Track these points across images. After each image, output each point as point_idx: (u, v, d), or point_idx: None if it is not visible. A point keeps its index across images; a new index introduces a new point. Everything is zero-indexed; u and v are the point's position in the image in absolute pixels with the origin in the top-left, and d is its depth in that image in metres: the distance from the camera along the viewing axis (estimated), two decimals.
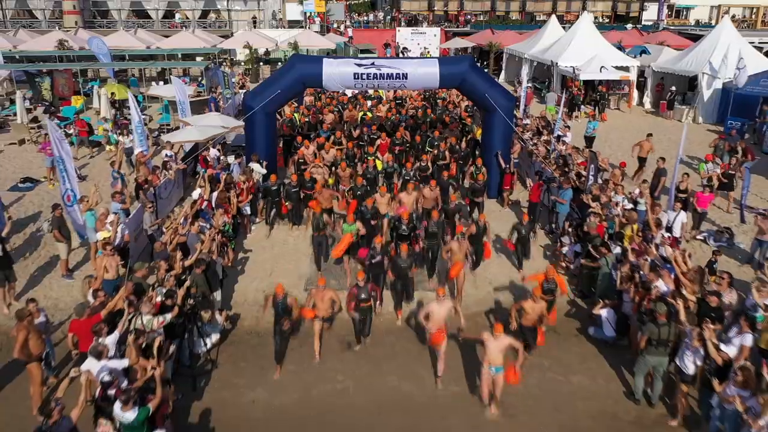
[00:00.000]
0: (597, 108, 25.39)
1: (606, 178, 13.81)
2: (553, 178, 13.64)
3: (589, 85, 27.16)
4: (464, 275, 10.90)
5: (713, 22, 50.22)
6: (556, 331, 10.27)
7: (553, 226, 13.45)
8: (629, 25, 45.75)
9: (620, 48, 30.90)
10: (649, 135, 17.24)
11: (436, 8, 49.20)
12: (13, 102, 26.30)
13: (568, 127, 19.06)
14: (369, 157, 15.35)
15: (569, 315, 10.97)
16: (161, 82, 29.95)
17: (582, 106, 25.66)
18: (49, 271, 11.99)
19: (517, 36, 37.61)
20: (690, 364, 8.03)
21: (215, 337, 9.55)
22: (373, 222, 12.01)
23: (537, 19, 48.00)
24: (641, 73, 28.44)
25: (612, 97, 27.43)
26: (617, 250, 10.72)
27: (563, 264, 12.07)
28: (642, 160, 16.81)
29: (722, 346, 7.82)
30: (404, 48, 40.47)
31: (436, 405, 8.76)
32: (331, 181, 14.61)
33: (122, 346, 7.89)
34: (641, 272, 9.52)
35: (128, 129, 21.32)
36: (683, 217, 12.26)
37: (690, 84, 26.37)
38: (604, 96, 25.83)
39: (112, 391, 6.91)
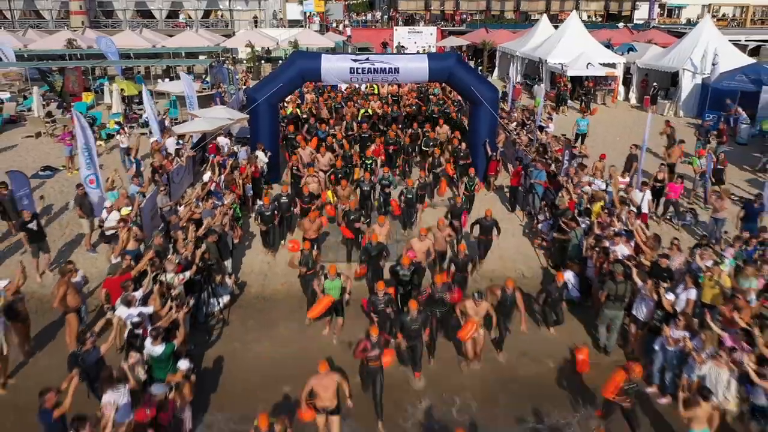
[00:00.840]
0: (583, 102, 26.64)
1: (581, 162, 15.05)
2: (531, 164, 14.87)
3: (577, 81, 28.41)
4: (482, 339, 9.60)
5: None
6: (531, 296, 11.48)
7: (530, 207, 14.68)
8: (621, 24, 47.00)
9: (608, 46, 32.17)
10: (681, 141, 17.06)
11: (432, 8, 50.44)
12: (26, 98, 27.66)
13: (551, 118, 20.30)
14: (367, 162, 15.57)
15: (543, 282, 12.21)
16: (167, 80, 31.28)
17: (569, 101, 26.87)
18: (74, 247, 13.27)
19: (510, 35, 38.85)
20: (641, 312, 9.31)
21: (226, 298, 10.81)
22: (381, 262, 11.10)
23: (532, 18, 49.25)
24: (627, 70, 29.68)
25: (599, 92, 28.68)
26: (585, 224, 11.96)
27: (539, 240, 13.31)
28: (672, 167, 16.19)
29: (668, 295, 9.08)
30: (402, 46, 41.71)
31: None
32: (330, 194, 14.24)
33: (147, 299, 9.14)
34: (604, 240, 10.77)
35: (138, 122, 22.79)
36: (649, 195, 13.52)
37: (672, 80, 27.60)
38: (590, 91, 27.08)
39: (139, 331, 8.18)
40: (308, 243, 11.27)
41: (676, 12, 55.41)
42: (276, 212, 12.75)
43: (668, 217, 14.60)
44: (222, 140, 16.62)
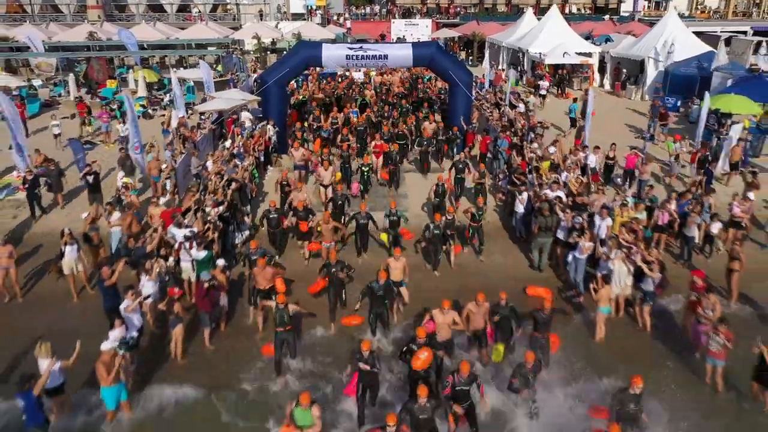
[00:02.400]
0: (559, 87, 29.52)
1: (539, 133, 17.98)
2: (498, 134, 17.81)
3: (558, 68, 31.31)
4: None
5: (688, 12, 54.15)
6: (488, 233, 14.41)
7: (496, 169, 17.61)
8: (606, 16, 49.71)
9: (588, 37, 35.02)
10: (741, 140, 17.84)
11: (428, 1, 53.19)
12: (56, 85, 30.71)
13: (522, 99, 23.24)
14: (363, 169, 15.67)
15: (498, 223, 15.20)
16: (181, 68, 34.28)
17: (545, 89, 29.59)
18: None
19: (499, 27, 41.68)
20: (562, 235, 12.31)
21: (246, 233, 13.79)
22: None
23: (524, 11, 51.86)
24: (603, 58, 32.52)
25: (575, 78, 31.55)
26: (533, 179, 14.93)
27: (500, 194, 16.26)
28: (734, 166, 17.27)
29: (577, 219, 12.04)
30: (400, 38, 44.50)
31: None
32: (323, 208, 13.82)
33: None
34: (540, 187, 13.76)
35: (160, 104, 25.81)
36: (595, 158, 16.43)
37: (641, 67, 30.43)
38: (564, 78, 29.96)
39: (187, 243, 11.21)
40: (282, 297, 9.62)
41: (663, 4, 57.97)
42: (269, 229, 13.10)
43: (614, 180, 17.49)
44: (245, 114, 19.66)
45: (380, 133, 18.42)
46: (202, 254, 10.97)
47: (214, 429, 8.80)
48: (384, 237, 13.26)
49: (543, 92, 27.30)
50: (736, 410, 9.19)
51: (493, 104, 21.89)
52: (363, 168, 15.94)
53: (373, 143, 17.68)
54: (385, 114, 21.11)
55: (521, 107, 21.94)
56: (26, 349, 9.68)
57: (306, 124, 19.85)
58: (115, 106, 24.40)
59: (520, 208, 13.79)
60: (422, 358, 8.24)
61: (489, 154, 17.91)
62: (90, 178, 15.19)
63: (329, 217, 12.48)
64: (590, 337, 10.80)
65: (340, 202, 13.72)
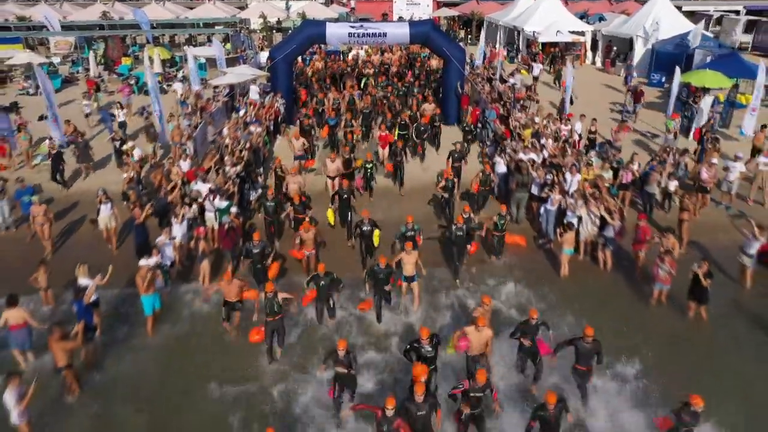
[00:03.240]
0: (552, 65, 31.01)
1: (524, 105, 19.65)
2: (487, 106, 19.49)
3: (551, 47, 32.75)
4: None
5: None
6: (469, 192, 16.07)
7: (485, 138, 19.33)
8: None
9: (583, 16, 36.37)
10: (764, 126, 17.66)
11: None
12: (74, 62, 32.40)
13: (512, 74, 24.87)
14: (367, 167, 15.40)
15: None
16: (191, 46, 35.85)
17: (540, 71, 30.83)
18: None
19: (498, 6, 42.97)
20: (536, 190, 14.07)
21: (259, 191, 15.56)
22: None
23: None
24: (595, 37, 33.92)
25: (568, 56, 32.95)
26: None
27: (487, 161, 17.97)
28: (756, 150, 17.21)
29: (548, 176, 13.79)
30: (402, 18, 45.81)
31: None
32: (330, 214, 13.57)
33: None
34: (519, 151, 15.51)
35: (174, 79, 27.47)
36: (581, 125, 18.10)
37: (630, 45, 31.84)
38: (556, 55, 31.45)
39: (210, 195, 13.04)
40: (271, 285, 9.96)
41: None
42: (266, 217, 13.38)
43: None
44: (253, 88, 21.39)
45: (384, 122, 18.56)
46: (224, 204, 12.82)
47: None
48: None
49: (536, 74, 28.67)
50: (676, 321, 11.18)
51: (485, 79, 23.48)
52: (366, 165, 15.51)
53: (378, 133, 17.87)
54: (387, 93, 21.96)
55: (512, 81, 23.55)
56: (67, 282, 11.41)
57: (311, 105, 20.90)
58: (132, 82, 26.11)
59: (501, 168, 15.54)
60: (419, 371, 8.27)
61: (479, 124, 19.58)
62: (117, 143, 17.01)
63: (309, 225, 12.22)
64: (557, 275, 12.68)
65: (345, 196, 13.52)
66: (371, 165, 15.67)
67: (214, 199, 12.96)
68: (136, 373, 9.90)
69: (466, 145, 17.14)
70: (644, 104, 22.79)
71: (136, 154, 15.62)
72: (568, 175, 14.24)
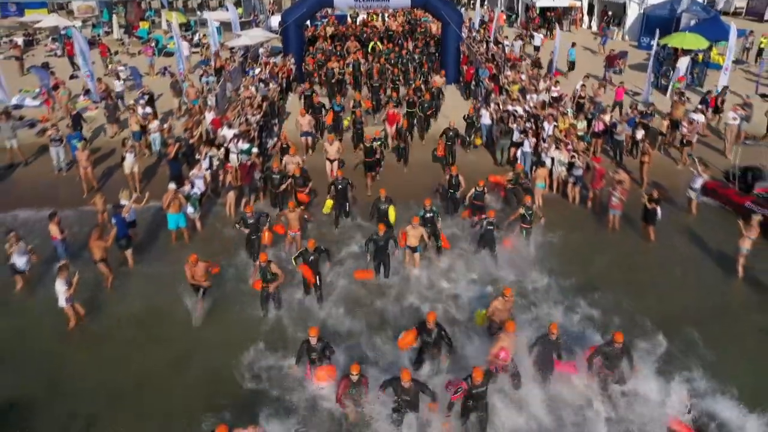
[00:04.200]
0: (548, 30, 32.57)
1: (515, 65, 21.49)
2: (480, 65, 21.34)
3: (548, 11, 34.23)
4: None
5: None
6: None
7: (479, 95, 21.25)
8: None
9: None
10: (681, 94, 19.01)
11: None
12: (94, 26, 34.28)
13: (506, 36, 26.61)
14: (375, 144, 15.31)
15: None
16: (206, 10, 37.64)
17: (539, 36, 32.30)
18: (170, 114, 20.17)
19: None
20: (515, 137, 16.10)
21: (275, 139, 17.71)
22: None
23: None
24: (591, 1, 35.27)
25: (564, 21, 34.46)
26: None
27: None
28: (674, 123, 17.86)
29: (528, 123, 15.81)
30: None
31: None
32: (328, 204, 13.68)
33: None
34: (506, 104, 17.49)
35: (191, 42, 29.38)
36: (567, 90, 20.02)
37: (624, 9, 33.25)
38: (551, 20, 33.00)
39: (235, 139, 15.18)
40: (265, 256, 10.71)
41: None
42: (272, 189, 14.03)
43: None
44: (261, 50, 23.35)
45: (391, 99, 19.10)
46: (246, 146, 14.97)
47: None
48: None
49: (538, 44, 29.27)
50: (629, 240, 13.46)
51: (481, 42, 25.24)
52: (374, 142, 15.70)
53: (385, 111, 17.95)
54: (392, 60, 22.73)
55: (506, 43, 25.32)
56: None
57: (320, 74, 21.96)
58: (153, 44, 28.01)
59: (486, 120, 17.57)
60: (408, 339, 8.96)
61: (473, 82, 21.50)
62: (146, 98, 19.08)
63: (294, 206, 12.53)
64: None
65: (340, 187, 13.49)
66: (380, 142, 15.88)
67: (238, 143, 15.10)
68: (157, 270, 12.32)
69: (468, 139, 17.38)
70: (621, 68, 24.45)
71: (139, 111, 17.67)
72: (545, 124, 16.26)
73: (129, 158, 15.31)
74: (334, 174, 14.44)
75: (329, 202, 13.64)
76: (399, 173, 16.75)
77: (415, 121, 18.42)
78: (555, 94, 19.41)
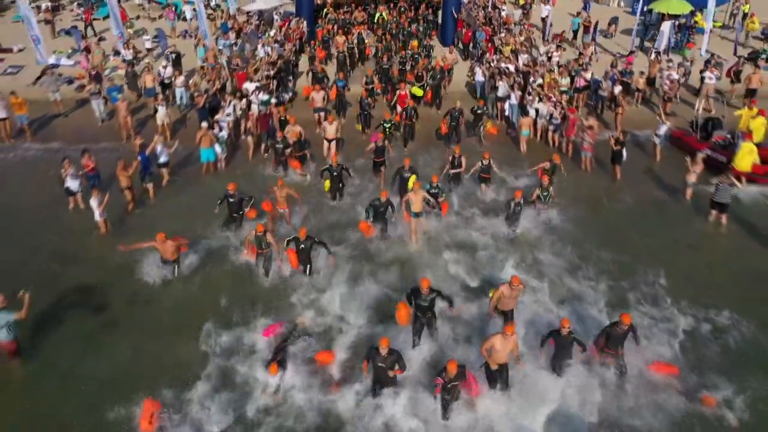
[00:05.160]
0: None
1: (510, 28, 23.24)
2: (477, 28, 23.11)
3: None
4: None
5: None
6: (461, 96, 19.99)
7: (475, 56, 23.04)
8: None
9: None
10: (658, 53, 21.49)
11: None
12: None
13: (504, 2, 28.28)
14: (385, 125, 15.84)
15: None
16: None
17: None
18: (192, 75, 22.13)
19: None
20: (504, 90, 18.03)
21: (290, 94, 19.71)
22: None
23: None
24: None
25: None
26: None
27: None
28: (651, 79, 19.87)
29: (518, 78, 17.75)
30: None
31: None
32: (327, 184, 13.92)
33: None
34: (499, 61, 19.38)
35: (209, 6, 31.06)
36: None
37: None
38: None
39: (257, 91, 17.21)
40: (261, 226, 11.28)
41: None
42: (275, 157, 15.09)
43: None
44: (275, 17, 25.20)
45: (404, 80, 18.80)
46: (266, 97, 17.05)
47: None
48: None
49: (544, 15, 29.12)
50: (600, 180, 15.49)
51: (480, 7, 26.92)
52: (384, 123, 16.07)
53: (397, 93, 17.96)
54: (393, 32, 23.54)
55: (504, 8, 26.99)
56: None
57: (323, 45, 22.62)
58: (173, 9, 29.80)
59: (479, 77, 19.50)
60: (402, 313, 9.40)
61: (471, 43, 23.31)
62: (173, 56, 21.03)
63: (282, 183, 12.84)
64: (518, 150, 16.91)
65: (335, 174, 13.68)
66: (389, 124, 16.26)
67: (259, 94, 17.14)
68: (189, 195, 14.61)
69: (473, 131, 17.31)
70: (612, 33, 26.14)
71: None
72: (531, 79, 18.18)
73: (161, 110, 17.36)
74: (333, 153, 15.22)
75: (328, 182, 13.90)
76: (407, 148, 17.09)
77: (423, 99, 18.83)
78: (556, 58, 20.94)
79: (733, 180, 12.96)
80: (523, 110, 17.34)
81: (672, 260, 12.13)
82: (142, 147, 14.43)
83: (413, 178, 13.02)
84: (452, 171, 14.21)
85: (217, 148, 15.55)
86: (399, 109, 17.22)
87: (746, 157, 14.53)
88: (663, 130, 16.07)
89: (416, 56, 20.52)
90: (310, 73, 19.43)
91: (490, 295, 10.02)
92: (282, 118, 16.34)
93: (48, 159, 16.28)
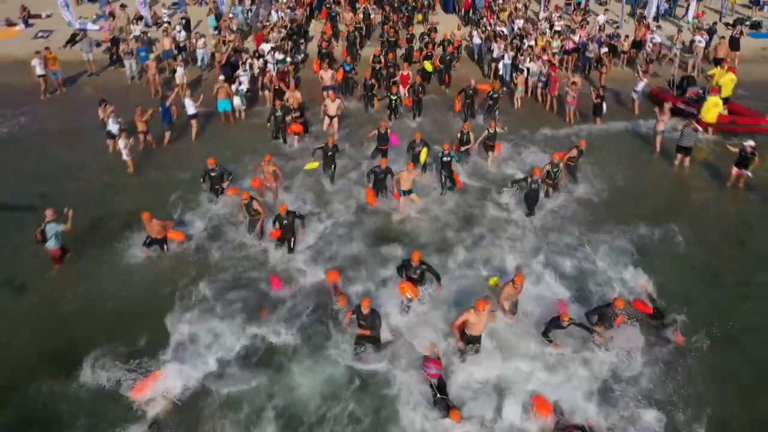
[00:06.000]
0: None
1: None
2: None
3: None
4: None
5: None
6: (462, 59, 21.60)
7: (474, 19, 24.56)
8: None
9: None
10: (643, 17, 22.76)
11: None
12: None
13: None
14: (392, 97, 16.55)
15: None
16: None
17: None
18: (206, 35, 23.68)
19: None
20: (498, 52, 19.66)
21: (302, 56, 21.36)
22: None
23: None
24: None
25: None
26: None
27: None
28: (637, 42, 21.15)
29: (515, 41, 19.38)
30: None
31: None
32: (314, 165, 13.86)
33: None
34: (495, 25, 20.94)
35: None
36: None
37: None
38: None
39: (272, 52, 18.92)
40: (247, 194, 11.70)
41: None
42: (275, 125, 15.69)
43: None
44: None
45: (408, 61, 19.51)
46: (281, 56, 18.78)
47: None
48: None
49: None
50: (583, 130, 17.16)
51: None
52: (391, 96, 16.81)
53: (399, 73, 18.23)
54: (395, 6, 24.34)
55: None
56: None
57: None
58: None
59: (476, 40, 21.11)
60: (406, 288, 9.63)
61: (471, 10, 24.83)
62: (183, 22, 22.58)
63: (270, 158, 12.86)
64: (512, 107, 18.62)
65: (330, 153, 13.74)
66: (396, 97, 16.89)
67: (274, 54, 18.86)
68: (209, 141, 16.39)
69: (492, 113, 17.07)
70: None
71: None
72: (525, 40, 19.81)
73: (179, 70, 19.05)
74: (335, 129, 15.89)
75: (315, 164, 13.80)
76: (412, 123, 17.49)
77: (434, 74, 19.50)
78: (558, 28, 21.90)
79: (695, 125, 14.65)
80: (516, 69, 19.01)
81: (641, 196, 13.96)
82: (162, 98, 16.40)
83: (425, 150, 13.42)
84: (463, 148, 14.42)
85: (237, 100, 17.39)
86: (402, 90, 17.59)
87: (711, 110, 16.22)
88: (641, 86, 17.74)
89: (425, 36, 20.95)
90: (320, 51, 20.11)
91: (490, 282, 10.27)
92: (276, 87, 17.59)
93: (84, 109, 17.77)
